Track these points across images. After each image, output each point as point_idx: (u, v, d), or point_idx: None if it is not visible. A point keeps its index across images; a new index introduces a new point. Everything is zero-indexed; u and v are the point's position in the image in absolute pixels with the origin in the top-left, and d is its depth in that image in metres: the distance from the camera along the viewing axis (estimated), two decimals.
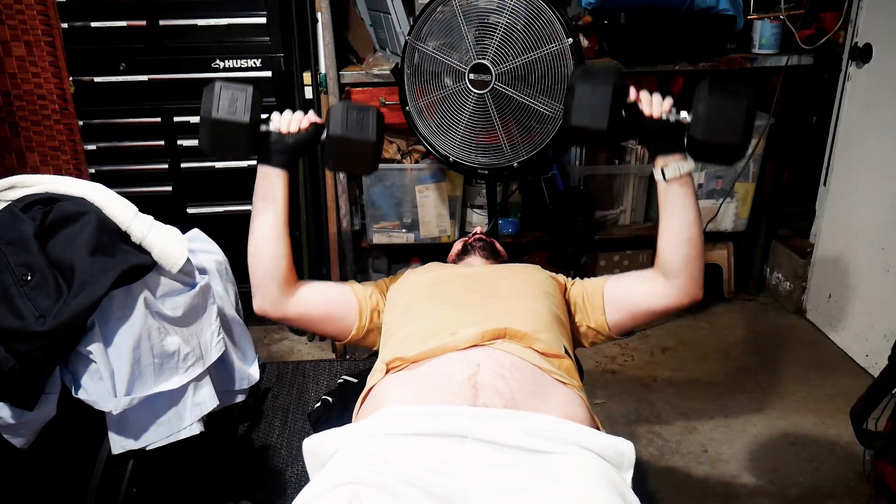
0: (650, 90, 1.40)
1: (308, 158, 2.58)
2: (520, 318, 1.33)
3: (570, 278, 1.61)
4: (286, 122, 1.44)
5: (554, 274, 1.58)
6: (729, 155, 1.35)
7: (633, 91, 1.40)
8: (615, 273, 2.99)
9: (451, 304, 1.42)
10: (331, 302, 1.50)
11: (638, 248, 2.99)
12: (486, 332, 1.27)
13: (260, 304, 1.46)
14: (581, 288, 1.55)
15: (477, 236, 1.82)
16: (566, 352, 1.34)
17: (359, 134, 1.43)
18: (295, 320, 1.51)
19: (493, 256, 1.77)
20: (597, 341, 1.55)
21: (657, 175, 1.40)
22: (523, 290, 1.48)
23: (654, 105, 1.38)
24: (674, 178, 1.38)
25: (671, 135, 1.37)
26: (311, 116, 1.47)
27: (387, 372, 1.29)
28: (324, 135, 1.45)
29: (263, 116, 1.44)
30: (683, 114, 1.36)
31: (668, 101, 1.39)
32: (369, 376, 1.36)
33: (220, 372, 1.56)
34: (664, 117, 1.38)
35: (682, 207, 1.40)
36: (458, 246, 1.81)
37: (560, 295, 1.52)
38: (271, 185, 1.45)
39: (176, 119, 2.47)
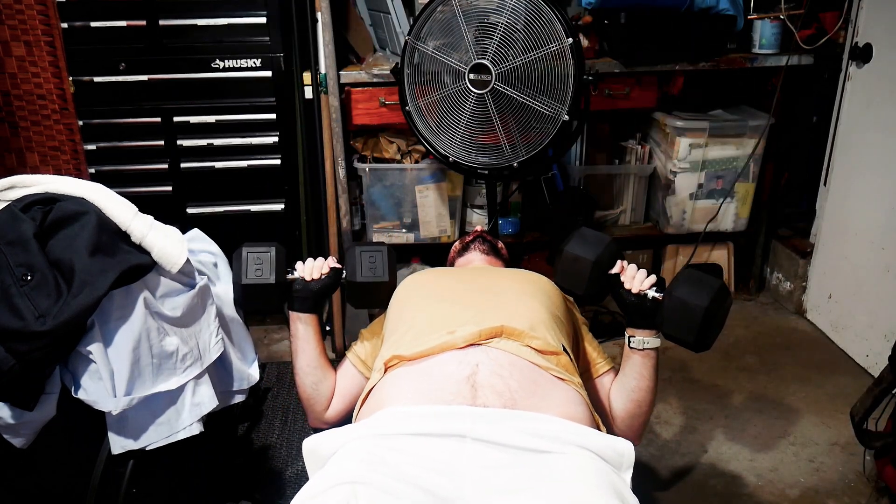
0: (639, 266, 1.49)
1: (307, 153, 2.58)
2: (516, 316, 1.34)
3: (575, 304, 1.66)
4: (309, 270, 1.57)
5: (561, 292, 1.61)
6: (688, 346, 1.41)
7: (619, 264, 1.49)
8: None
9: (449, 302, 1.42)
10: (349, 392, 1.59)
11: (638, 248, 2.99)
12: (483, 330, 1.28)
13: (311, 423, 1.61)
14: (591, 338, 1.63)
15: (477, 234, 1.82)
16: (564, 349, 1.34)
17: (373, 277, 1.57)
18: (342, 420, 1.61)
19: (494, 254, 1.77)
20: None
21: (626, 339, 1.48)
22: (521, 288, 1.49)
23: (636, 281, 1.46)
24: (637, 349, 1.46)
25: (646, 311, 1.44)
26: (331, 262, 1.60)
27: (385, 371, 1.29)
28: (343, 276, 1.60)
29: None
30: (660, 294, 1.44)
31: (651, 279, 1.46)
32: (370, 377, 1.36)
33: (220, 372, 1.56)
34: (643, 293, 1.45)
35: (638, 374, 1.47)
36: (458, 244, 1.81)
37: (562, 302, 1.53)
38: (304, 328, 1.56)
39: (176, 119, 2.47)
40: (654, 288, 1.45)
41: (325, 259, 1.60)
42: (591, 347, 1.60)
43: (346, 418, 1.60)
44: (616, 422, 1.51)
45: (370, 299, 1.64)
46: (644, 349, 1.45)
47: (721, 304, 1.39)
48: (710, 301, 1.35)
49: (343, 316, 2.63)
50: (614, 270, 1.48)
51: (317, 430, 1.69)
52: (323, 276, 1.56)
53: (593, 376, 1.58)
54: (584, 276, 1.46)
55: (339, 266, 1.60)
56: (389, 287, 1.59)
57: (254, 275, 1.51)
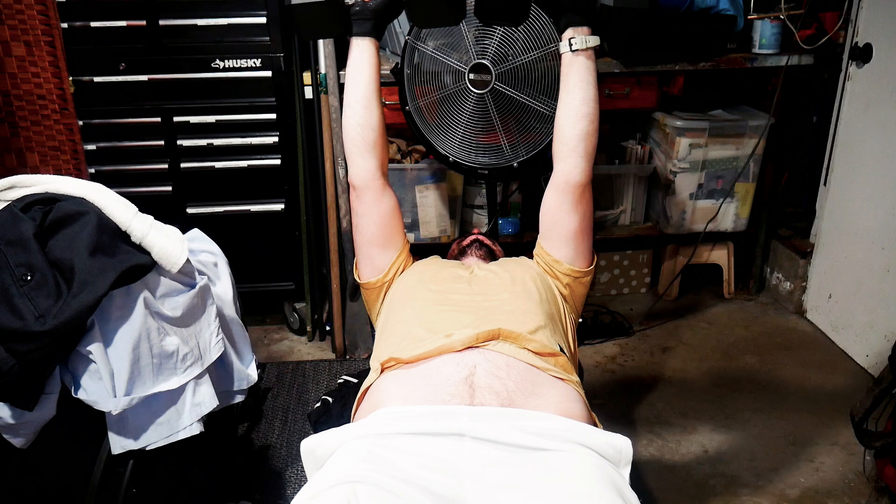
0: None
1: (307, 153, 2.58)
2: (513, 319, 1.34)
3: (542, 259, 1.63)
4: None
5: (537, 262, 1.60)
6: (637, 20, 1.39)
7: None
8: (614, 273, 3.00)
9: (447, 306, 1.42)
10: (394, 223, 1.57)
11: (638, 248, 2.99)
12: (480, 333, 1.28)
13: (350, 175, 1.54)
14: (537, 260, 1.60)
15: (474, 238, 1.82)
16: (561, 349, 1.34)
17: None
18: (364, 205, 1.57)
19: (491, 258, 1.77)
20: (585, 287, 1.59)
21: (564, 47, 1.45)
22: (517, 289, 1.48)
23: None
24: (580, 49, 1.43)
25: (583, 6, 1.43)
26: None
27: (382, 371, 1.29)
28: None
29: None
30: None
31: None
32: (367, 376, 1.36)
33: (220, 372, 1.56)
34: None
35: (584, 82, 1.45)
36: (455, 247, 1.81)
37: (551, 285, 1.54)
38: (360, 53, 1.49)
39: (176, 119, 2.47)
40: None
41: None
42: (536, 257, 1.60)
43: (370, 205, 1.54)
44: (573, 154, 1.47)
45: (432, 15, 1.52)
46: (588, 48, 1.44)
47: None
48: None
49: (343, 316, 2.63)
50: None
51: (317, 429, 1.70)
52: None
53: (539, 243, 1.58)
54: None
55: None
56: None
57: None
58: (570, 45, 1.43)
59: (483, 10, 1.44)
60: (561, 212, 1.53)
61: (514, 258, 1.67)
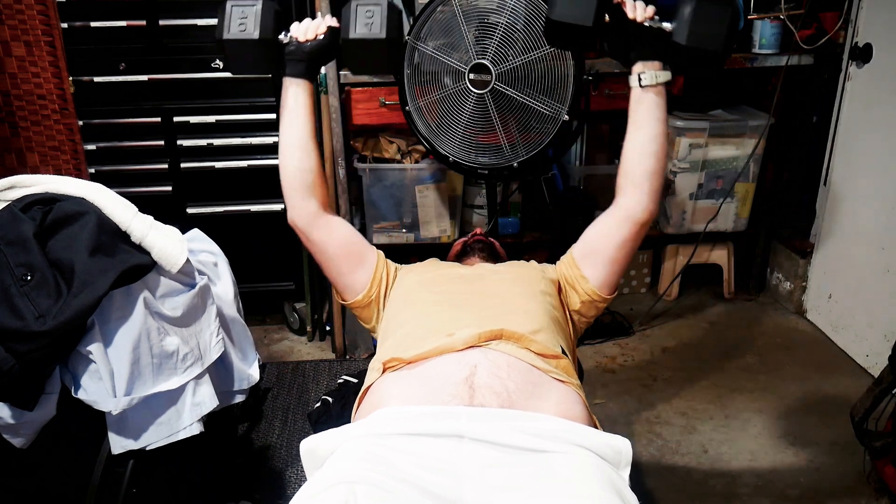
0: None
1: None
2: (516, 320, 1.33)
3: (552, 265, 1.61)
4: (303, 31, 1.45)
5: (545, 267, 1.58)
6: (709, 62, 1.34)
7: None
8: (623, 284, 2.99)
9: (449, 305, 1.42)
10: (354, 247, 1.50)
11: (638, 248, 2.98)
12: (482, 333, 1.28)
13: (289, 216, 1.50)
14: (560, 269, 1.55)
15: (476, 237, 1.82)
16: (563, 352, 1.34)
17: (370, 34, 1.41)
18: (316, 245, 1.51)
19: (493, 257, 1.77)
20: (597, 311, 1.55)
21: (633, 82, 1.40)
22: (520, 290, 1.48)
23: (639, 10, 1.38)
24: (650, 85, 1.38)
25: (652, 41, 1.37)
26: (329, 20, 1.47)
27: (384, 371, 1.29)
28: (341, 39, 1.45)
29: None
30: (666, 23, 1.36)
31: (652, 8, 1.39)
32: (367, 376, 1.36)
33: (220, 372, 1.56)
34: (647, 23, 1.37)
35: (653, 118, 1.40)
36: (457, 247, 1.81)
37: (556, 292, 1.52)
38: (295, 95, 1.46)
39: (176, 119, 2.47)
40: (657, 17, 1.37)
41: (323, 18, 1.49)
42: (560, 265, 1.55)
43: (323, 241, 1.50)
44: (635, 191, 1.42)
45: (369, 61, 1.49)
46: (657, 84, 1.37)
47: (738, 15, 1.34)
48: (731, 5, 1.29)
49: (343, 316, 2.63)
50: (615, 0, 1.39)
51: (317, 429, 1.69)
52: (319, 37, 1.44)
53: (572, 256, 1.53)
54: (591, 4, 1.33)
55: (336, 25, 1.47)
56: (389, 47, 1.44)
57: (237, 29, 1.36)
58: (640, 80, 1.38)
59: (551, 37, 1.42)
60: (610, 240, 1.49)
61: (519, 261, 1.66)
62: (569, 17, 1.35)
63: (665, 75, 1.38)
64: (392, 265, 1.56)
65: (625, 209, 1.46)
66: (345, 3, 1.40)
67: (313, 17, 2.37)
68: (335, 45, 1.46)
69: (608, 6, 1.37)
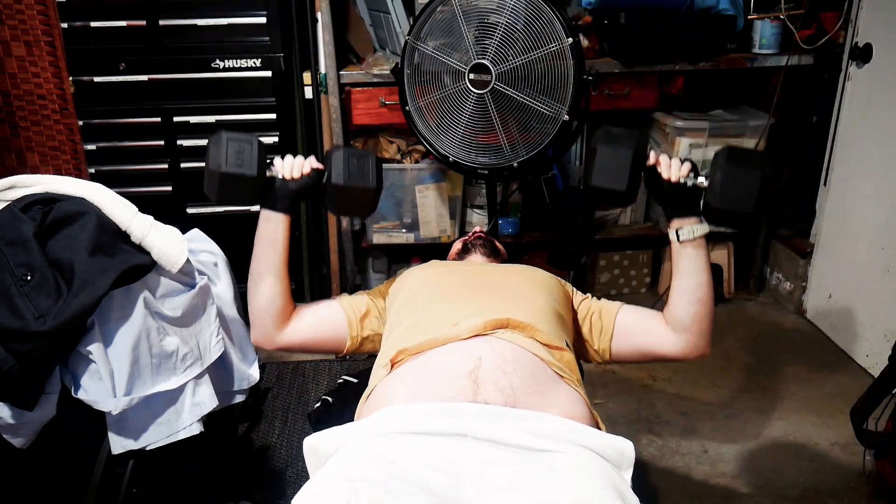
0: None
1: (307, 151, 2.57)
2: (521, 310, 1.33)
3: (574, 288, 1.60)
4: (289, 168, 1.47)
5: (559, 278, 1.59)
6: (742, 222, 1.37)
7: (652, 155, 1.43)
8: (614, 273, 2.99)
9: (453, 296, 1.42)
10: (321, 326, 1.51)
11: (638, 248, 2.99)
12: (488, 322, 1.27)
13: (255, 337, 1.50)
14: (593, 306, 1.54)
15: (477, 234, 1.82)
16: (567, 345, 1.34)
17: (360, 181, 1.47)
18: (289, 349, 1.54)
19: (494, 254, 1.77)
20: (589, 361, 1.56)
21: (672, 236, 1.41)
22: (525, 284, 1.48)
23: (673, 169, 1.40)
24: (688, 240, 1.39)
25: (688, 198, 1.39)
26: (312, 162, 1.50)
27: (392, 367, 1.29)
28: (325, 178, 1.49)
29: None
30: (701, 179, 1.39)
31: (687, 165, 1.41)
32: (372, 373, 1.36)
33: (220, 372, 1.56)
34: (682, 181, 1.39)
35: (695, 269, 1.41)
36: (458, 245, 1.81)
37: (563, 297, 1.52)
38: (274, 229, 1.48)
39: (176, 119, 2.47)
40: (693, 173, 1.39)
41: (306, 158, 1.50)
42: (593, 308, 1.53)
43: (296, 348, 1.51)
44: (685, 334, 1.42)
45: (353, 205, 1.54)
46: (696, 238, 1.39)
47: (770, 173, 1.35)
48: (764, 168, 1.32)
49: None
50: (649, 162, 1.41)
51: (317, 428, 1.69)
52: (304, 176, 1.47)
53: (620, 322, 1.49)
54: (625, 170, 1.37)
55: (320, 167, 1.50)
56: (376, 195, 1.49)
57: (234, 164, 1.39)
58: (678, 235, 1.40)
59: (592, 197, 1.45)
60: (637, 349, 1.49)
61: (523, 265, 1.66)
62: (604, 183, 1.40)
63: (703, 229, 1.40)
64: (365, 298, 1.55)
65: (675, 344, 1.45)
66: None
67: (313, 17, 2.38)
68: (319, 187, 1.49)
69: (641, 169, 1.41)
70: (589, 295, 1.58)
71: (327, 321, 1.51)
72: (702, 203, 1.39)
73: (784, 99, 2.65)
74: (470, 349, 1.23)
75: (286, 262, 1.49)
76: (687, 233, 1.39)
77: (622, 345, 1.49)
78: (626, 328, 1.49)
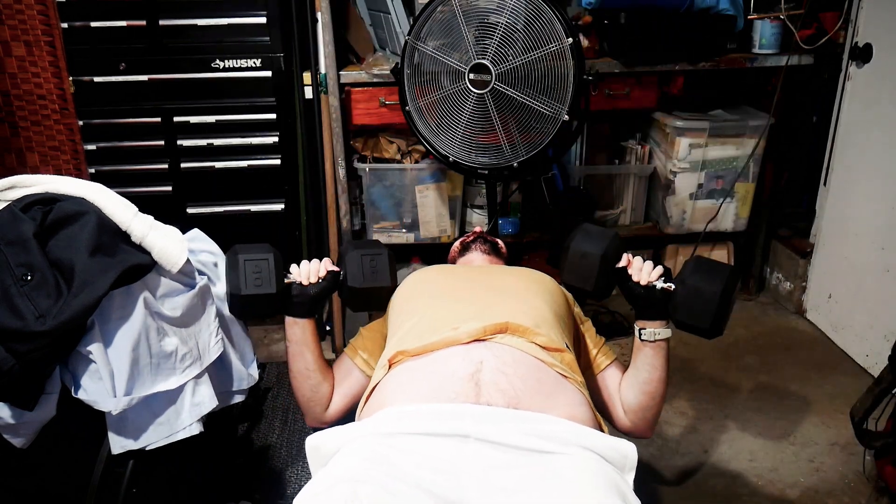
0: (644, 258, 1.49)
1: (307, 153, 2.58)
2: (521, 313, 1.34)
3: (576, 303, 1.63)
4: (305, 275, 1.52)
5: (565, 291, 1.60)
6: (702, 333, 1.41)
7: (625, 257, 1.48)
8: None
9: (453, 299, 1.42)
10: (350, 387, 1.56)
11: (638, 249, 2.99)
12: (487, 326, 1.28)
13: (310, 423, 1.59)
14: (594, 338, 1.61)
15: (477, 234, 1.82)
16: (567, 346, 1.34)
17: (375, 282, 1.52)
18: (342, 418, 1.59)
19: (494, 253, 1.77)
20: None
21: (636, 332, 1.46)
22: (525, 286, 1.48)
23: (644, 273, 1.45)
24: (649, 340, 1.44)
25: (656, 302, 1.44)
26: (328, 264, 1.55)
27: (389, 368, 1.29)
28: (341, 278, 1.54)
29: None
30: (669, 284, 1.43)
31: (658, 269, 1.46)
32: (373, 374, 1.36)
33: (220, 372, 1.56)
34: (652, 284, 1.44)
35: (650, 366, 1.46)
36: (457, 246, 1.81)
37: (564, 302, 1.53)
38: (302, 332, 1.52)
39: (176, 119, 2.47)
40: (663, 279, 1.44)
41: (321, 261, 1.56)
42: (593, 343, 1.59)
43: (346, 417, 1.58)
44: (629, 415, 1.50)
45: (370, 303, 1.60)
46: (656, 340, 1.44)
47: (733, 289, 1.39)
48: (724, 286, 1.35)
49: (343, 316, 2.63)
50: (621, 264, 1.47)
51: (317, 429, 1.69)
52: (320, 280, 1.53)
53: (596, 371, 1.57)
54: (592, 272, 1.44)
55: (336, 269, 1.56)
56: (390, 290, 1.55)
57: (253, 284, 1.43)
58: (640, 334, 1.45)
59: (567, 287, 1.53)
60: (597, 404, 1.53)
61: (527, 268, 1.66)
62: (574, 282, 1.49)
63: (666, 332, 1.44)
64: (364, 340, 1.59)
65: (621, 420, 1.53)
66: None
67: (313, 17, 2.38)
68: (335, 287, 1.55)
69: (611, 270, 1.47)
70: (590, 322, 1.63)
71: (350, 380, 1.57)
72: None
73: (784, 99, 2.65)
74: (471, 353, 1.24)
75: (321, 355, 1.54)
76: (649, 334, 1.44)
77: (591, 392, 1.54)
78: (603, 384, 1.56)
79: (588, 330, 1.61)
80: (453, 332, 1.28)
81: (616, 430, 1.53)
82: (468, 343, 1.26)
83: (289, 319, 1.53)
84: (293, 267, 1.54)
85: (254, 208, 2.59)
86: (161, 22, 2.37)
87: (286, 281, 1.50)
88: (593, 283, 1.45)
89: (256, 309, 1.49)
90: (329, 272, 1.54)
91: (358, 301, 1.57)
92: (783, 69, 2.57)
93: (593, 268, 1.44)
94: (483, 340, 1.27)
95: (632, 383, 1.49)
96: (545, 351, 1.28)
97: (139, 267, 1.31)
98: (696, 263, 1.42)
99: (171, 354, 1.36)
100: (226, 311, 1.58)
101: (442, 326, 1.31)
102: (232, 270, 1.44)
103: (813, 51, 2.56)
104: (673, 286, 1.41)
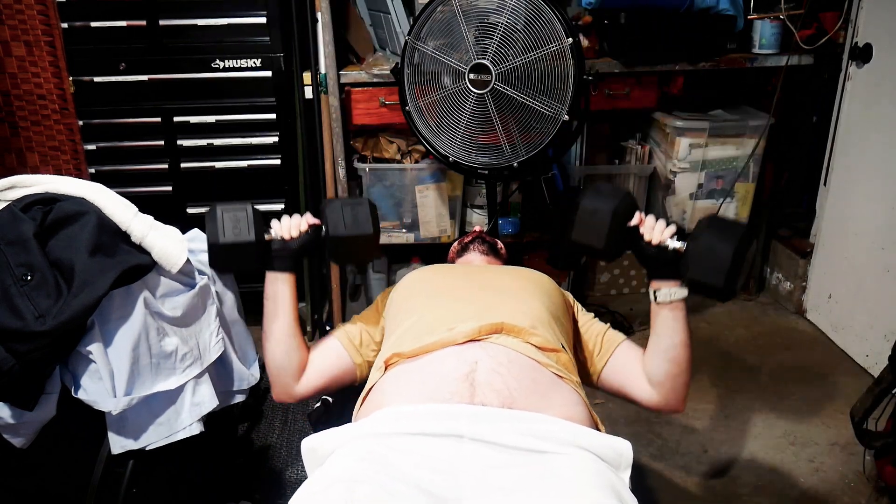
0: (656, 216, 1.42)
1: (307, 153, 2.58)
2: (516, 313, 1.34)
3: (577, 302, 1.61)
4: (287, 229, 1.48)
5: (564, 291, 1.59)
6: (715, 293, 1.36)
7: (637, 215, 1.42)
8: (614, 273, 2.99)
9: (451, 298, 1.42)
10: (328, 366, 1.52)
11: None
12: (483, 326, 1.28)
13: (276, 395, 1.52)
14: (597, 327, 1.56)
15: (476, 234, 1.82)
16: (563, 347, 1.34)
17: (357, 230, 1.48)
18: (310, 396, 1.56)
19: (493, 253, 1.77)
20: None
21: (651, 295, 1.42)
22: (522, 286, 1.48)
23: (656, 231, 1.40)
24: (664, 302, 1.39)
25: (669, 261, 1.38)
26: (309, 218, 1.51)
27: (385, 369, 1.29)
28: (323, 232, 1.50)
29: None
30: (682, 243, 1.38)
31: (671, 228, 1.40)
32: (370, 375, 1.36)
33: (220, 372, 1.56)
34: (664, 244, 1.39)
35: (670, 329, 1.41)
36: (456, 246, 1.82)
37: (561, 301, 1.52)
38: (281, 288, 1.49)
39: (176, 119, 2.47)
40: (675, 237, 1.39)
41: (302, 216, 1.52)
42: (599, 330, 1.55)
43: (316, 396, 1.54)
44: (657, 388, 1.44)
45: (354, 254, 1.56)
46: (672, 301, 1.39)
47: (747, 247, 1.34)
48: (738, 243, 1.30)
49: (343, 316, 2.63)
50: (633, 222, 1.41)
51: (317, 429, 1.69)
52: (302, 234, 1.49)
53: (608, 352, 1.52)
54: (603, 228, 1.38)
55: (317, 222, 1.52)
56: (371, 239, 1.51)
57: (231, 234, 1.40)
58: (655, 296, 1.41)
59: (574, 250, 1.46)
60: (620, 387, 1.52)
61: (525, 268, 1.66)
62: (584, 239, 1.41)
63: (681, 292, 1.39)
64: (360, 323, 1.56)
65: (649, 395, 1.47)
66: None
67: (313, 17, 2.38)
68: (318, 241, 1.51)
69: (624, 228, 1.40)
70: (592, 315, 1.60)
71: (332, 359, 1.52)
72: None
73: (784, 99, 2.65)
74: (465, 354, 1.24)
75: (297, 318, 1.51)
76: (664, 295, 1.39)
77: (610, 376, 1.51)
78: (619, 364, 1.51)
79: (591, 321, 1.58)
80: (449, 333, 1.28)
81: (647, 409, 1.48)
82: (463, 343, 1.26)
83: (269, 275, 1.49)
84: (274, 222, 1.51)
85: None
86: (161, 22, 2.38)
87: (267, 237, 1.47)
88: (603, 241, 1.38)
89: (236, 260, 1.45)
90: (311, 225, 1.51)
91: (340, 252, 1.53)
92: (783, 69, 2.57)
93: (604, 224, 1.37)
94: (478, 341, 1.27)
95: (654, 352, 1.43)
96: (540, 351, 1.28)
97: (139, 267, 1.31)
98: (710, 221, 1.37)
99: (172, 354, 1.36)
100: (226, 310, 1.58)
101: (438, 327, 1.31)
102: (210, 222, 1.42)
103: (813, 51, 2.56)
104: (685, 244, 1.36)
